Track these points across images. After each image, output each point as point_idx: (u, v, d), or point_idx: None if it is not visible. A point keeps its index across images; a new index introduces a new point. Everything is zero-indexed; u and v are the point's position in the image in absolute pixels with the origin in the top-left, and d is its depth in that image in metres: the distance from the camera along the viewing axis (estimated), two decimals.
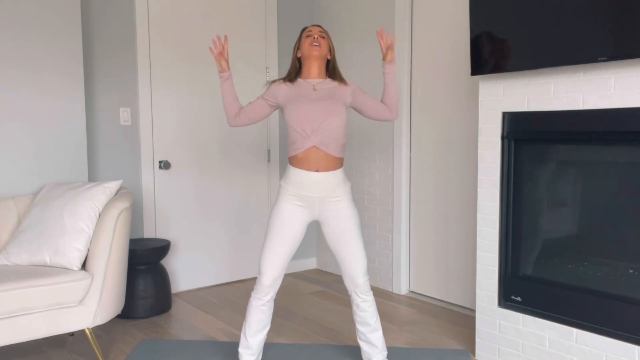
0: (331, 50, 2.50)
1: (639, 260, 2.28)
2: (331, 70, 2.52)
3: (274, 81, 2.54)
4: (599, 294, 2.38)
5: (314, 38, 2.43)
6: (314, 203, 2.43)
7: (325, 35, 2.48)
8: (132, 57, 3.72)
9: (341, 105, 2.42)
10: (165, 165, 3.86)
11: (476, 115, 3.45)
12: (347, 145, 4.37)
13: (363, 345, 2.55)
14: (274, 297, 2.48)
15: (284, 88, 2.49)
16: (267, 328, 2.50)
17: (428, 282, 3.85)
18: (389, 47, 2.44)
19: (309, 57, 2.45)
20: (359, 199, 4.23)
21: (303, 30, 2.51)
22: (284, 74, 2.63)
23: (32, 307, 2.49)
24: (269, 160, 4.39)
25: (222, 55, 2.46)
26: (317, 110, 2.38)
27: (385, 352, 2.55)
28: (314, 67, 2.47)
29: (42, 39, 3.17)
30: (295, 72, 2.52)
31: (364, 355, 2.57)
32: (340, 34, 4.29)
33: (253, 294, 2.47)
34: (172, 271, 3.98)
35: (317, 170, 2.39)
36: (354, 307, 2.50)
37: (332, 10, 4.37)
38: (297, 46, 2.50)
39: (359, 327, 2.53)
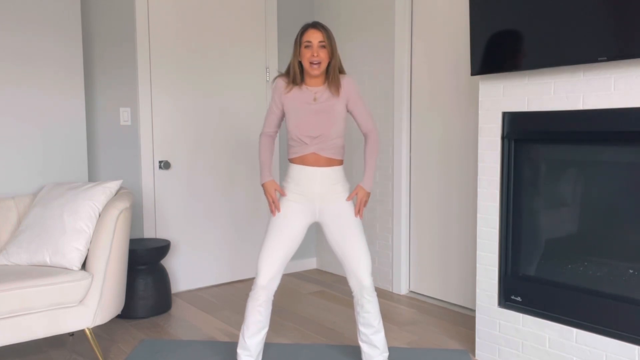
0: (332, 54, 2.38)
1: (639, 260, 2.28)
2: (331, 74, 2.40)
3: (277, 77, 2.48)
4: (599, 294, 2.38)
5: (313, 55, 2.33)
6: (314, 201, 2.43)
7: (325, 43, 2.35)
8: (132, 57, 3.72)
9: (341, 115, 2.42)
10: (165, 165, 3.86)
11: (476, 115, 3.45)
12: (345, 146, 4.37)
13: (364, 346, 2.54)
14: (271, 299, 2.46)
15: (289, 93, 2.44)
16: (265, 329, 2.49)
17: (428, 282, 3.85)
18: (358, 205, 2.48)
19: (309, 72, 2.40)
20: None
21: (303, 32, 2.38)
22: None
23: (32, 307, 2.49)
24: None
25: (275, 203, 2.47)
26: (317, 122, 2.38)
27: (387, 354, 2.55)
28: (315, 79, 2.42)
29: (42, 35, 3.16)
30: (299, 77, 2.42)
31: (364, 356, 2.55)
32: (340, 33, 4.29)
33: (250, 295, 2.47)
34: (172, 271, 3.97)
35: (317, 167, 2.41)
36: (358, 308, 2.49)
37: (332, 10, 4.37)
38: (298, 51, 2.39)
39: (361, 328, 2.51)
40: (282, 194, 2.45)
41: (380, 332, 2.51)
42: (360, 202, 2.47)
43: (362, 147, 4.19)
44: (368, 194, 2.49)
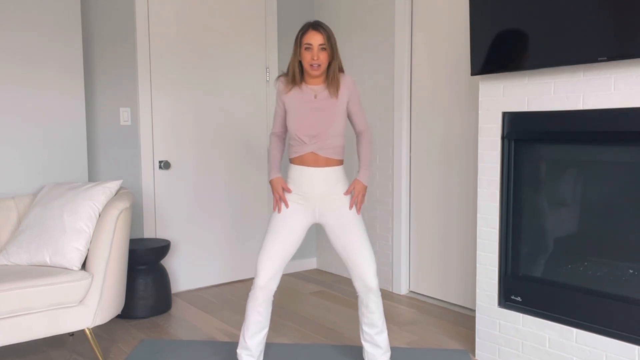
0: (333, 56, 2.37)
1: (639, 260, 2.28)
2: (331, 75, 2.40)
3: (279, 77, 2.48)
4: (599, 294, 2.38)
5: (314, 59, 2.32)
6: (314, 201, 2.43)
7: (326, 45, 2.34)
8: (132, 57, 3.72)
9: (340, 115, 2.41)
10: (165, 165, 3.86)
11: (476, 115, 3.45)
12: (346, 146, 4.37)
13: (367, 346, 2.54)
14: (270, 299, 2.46)
15: (289, 93, 2.44)
16: (266, 329, 2.49)
17: (428, 282, 3.85)
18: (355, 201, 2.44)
19: (309, 73, 2.39)
20: None
21: (304, 33, 2.36)
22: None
23: (32, 307, 2.49)
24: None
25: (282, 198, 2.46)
26: (317, 120, 2.38)
27: (389, 353, 2.55)
28: (315, 78, 2.42)
29: (42, 35, 3.16)
30: (299, 77, 2.42)
31: (366, 355, 2.56)
32: (340, 33, 4.29)
33: (249, 295, 2.47)
34: (172, 271, 3.97)
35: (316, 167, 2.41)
36: (363, 309, 2.48)
37: (332, 10, 4.37)
38: (298, 52, 2.37)
39: (365, 328, 2.51)
40: (288, 191, 2.44)
41: (384, 332, 2.52)
42: (357, 195, 2.44)
43: None
44: (365, 188, 2.46)
